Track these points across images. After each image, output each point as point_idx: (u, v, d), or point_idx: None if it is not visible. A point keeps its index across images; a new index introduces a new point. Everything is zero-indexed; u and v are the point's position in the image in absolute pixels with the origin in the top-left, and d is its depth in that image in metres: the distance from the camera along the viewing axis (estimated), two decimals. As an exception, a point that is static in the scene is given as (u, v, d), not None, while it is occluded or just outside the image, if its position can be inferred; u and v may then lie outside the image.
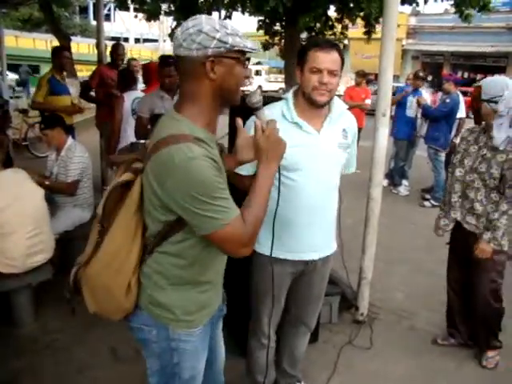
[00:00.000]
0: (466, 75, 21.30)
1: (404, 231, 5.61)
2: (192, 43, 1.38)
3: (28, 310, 3.32)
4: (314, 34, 10.26)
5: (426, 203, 6.82)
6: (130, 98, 4.63)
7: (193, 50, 1.38)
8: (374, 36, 10.34)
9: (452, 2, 7.60)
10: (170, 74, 4.00)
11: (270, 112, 2.02)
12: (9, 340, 3.15)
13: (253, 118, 1.71)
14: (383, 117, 3.19)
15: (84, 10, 36.40)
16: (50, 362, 2.97)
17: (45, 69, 5.60)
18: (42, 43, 25.83)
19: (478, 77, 20.65)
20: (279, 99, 2.25)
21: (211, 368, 1.90)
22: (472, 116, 3.17)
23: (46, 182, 3.66)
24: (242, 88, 1.53)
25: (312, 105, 2.05)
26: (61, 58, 5.34)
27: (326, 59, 1.95)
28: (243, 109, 1.72)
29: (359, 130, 2.40)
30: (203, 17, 1.42)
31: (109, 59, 6.14)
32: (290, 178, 2.08)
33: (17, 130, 8.95)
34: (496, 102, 2.77)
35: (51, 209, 3.61)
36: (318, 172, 2.12)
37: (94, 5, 6.77)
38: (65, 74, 5.51)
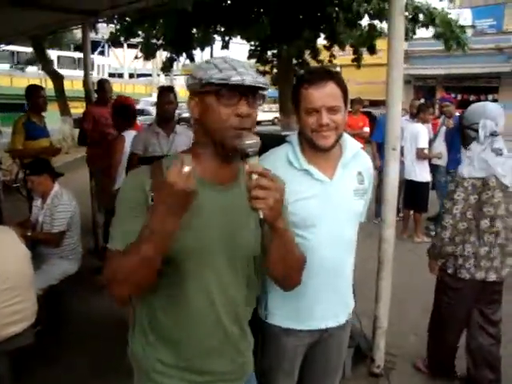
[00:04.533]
0: (459, 97, 21.39)
1: (414, 266, 5.28)
2: None
3: (7, 379, 2.90)
4: (301, 61, 10.22)
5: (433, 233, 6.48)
6: (129, 138, 4.20)
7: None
8: (363, 62, 10.43)
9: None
10: (169, 100, 3.91)
11: (273, 159, 1.76)
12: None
13: None
14: (393, 150, 2.93)
15: (79, 48, 36.77)
16: None
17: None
18: (36, 82, 26.00)
19: (472, 98, 20.83)
20: (280, 138, 1.97)
21: None
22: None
23: (29, 233, 3.38)
24: (235, 127, 1.27)
25: (317, 150, 1.74)
26: (37, 97, 4.95)
27: (320, 95, 1.63)
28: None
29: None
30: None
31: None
32: (301, 236, 1.73)
33: (7, 172, 8.74)
34: (475, 130, 2.79)
35: (34, 261, 3.28)
36: (333, 227, 1.79)
37: (92, 43, 6.60)
38: (43, 114, 5.14)
